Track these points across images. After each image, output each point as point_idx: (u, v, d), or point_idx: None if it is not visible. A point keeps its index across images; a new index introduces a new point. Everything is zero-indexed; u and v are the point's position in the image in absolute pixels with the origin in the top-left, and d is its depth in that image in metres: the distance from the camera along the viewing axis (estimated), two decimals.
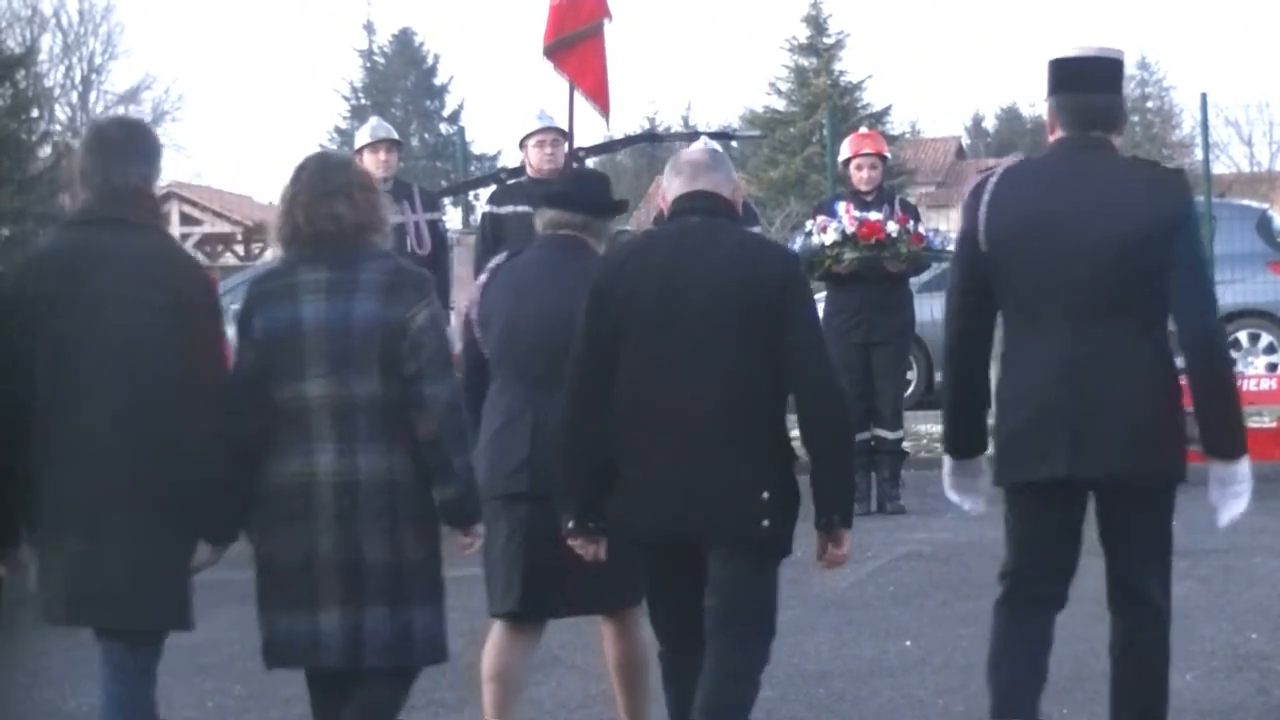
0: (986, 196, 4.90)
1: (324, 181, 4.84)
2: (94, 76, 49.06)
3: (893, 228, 10.55)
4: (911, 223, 10.74)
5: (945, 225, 20.96)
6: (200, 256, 28.50)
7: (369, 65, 56.97)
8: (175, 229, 33.25)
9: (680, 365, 4.83)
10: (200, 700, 6.69)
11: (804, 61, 44.55)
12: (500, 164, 28.09)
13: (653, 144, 17.58)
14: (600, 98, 10.18)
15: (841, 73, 44.53)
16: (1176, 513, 5.04)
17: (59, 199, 32.47)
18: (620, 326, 4.89)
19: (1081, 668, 6.60)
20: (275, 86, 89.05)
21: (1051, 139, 5.05)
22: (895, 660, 6.81)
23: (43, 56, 43.57)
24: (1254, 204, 17.96)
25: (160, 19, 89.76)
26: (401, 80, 56.57)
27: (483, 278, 5.68)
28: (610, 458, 4.90)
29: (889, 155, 11.88)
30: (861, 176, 10.94)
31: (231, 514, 4.87)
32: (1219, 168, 36.76)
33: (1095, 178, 4.88)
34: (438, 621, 4.89)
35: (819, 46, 44.74)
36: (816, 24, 44.88)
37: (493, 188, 11.04)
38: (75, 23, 49.08)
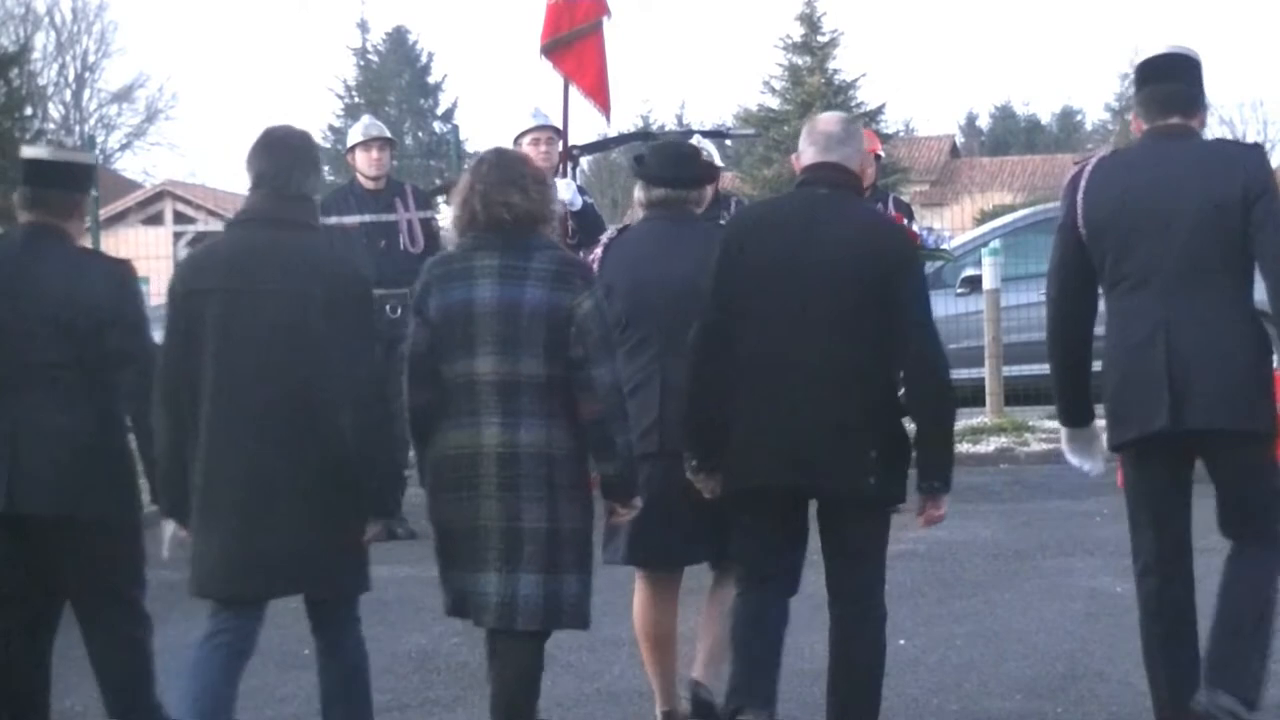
0: (1083, 184, 5.24)
1: (501, 173, 5.13)
2: (88, 75, 49.12)
3: None
4: (906, 221, 10.70)
5: (939, 223, 21.02)
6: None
7: (363, 63, 56.94)
8: (169, 227, 33.19)
9: (799, 328, 5.08)
10: None
11: (798, 60, 44.52)
12: None
13: (647, 142, 17.53)
14: (599, 96, 10.10)
15: (835, 71, 44.50)
16: None
17: None
18: (746, 287, 5.17)
19: (1075, 666, 6.62)
20: (269, 85, 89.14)
21: (1138, 134, 5.39)
22: (890, 659, 6.77)
23: (36, 54, 43.52)
24: None
25: (154, 17, 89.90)
26: (395, 78, 56.57)
27: (597, 251, 5.96)
28: (725, 408, 5.16)
29: (883, 153, 11.86)
30: None
31: (396, 489, 5.20)
32: None
33: (1182, 154, 5.20)
34: (586, 589, 5.12)
35: (813, 45, 44.71)
36: (810, 22, 44.85)
37: None
38: (69, 21, 49.11)
